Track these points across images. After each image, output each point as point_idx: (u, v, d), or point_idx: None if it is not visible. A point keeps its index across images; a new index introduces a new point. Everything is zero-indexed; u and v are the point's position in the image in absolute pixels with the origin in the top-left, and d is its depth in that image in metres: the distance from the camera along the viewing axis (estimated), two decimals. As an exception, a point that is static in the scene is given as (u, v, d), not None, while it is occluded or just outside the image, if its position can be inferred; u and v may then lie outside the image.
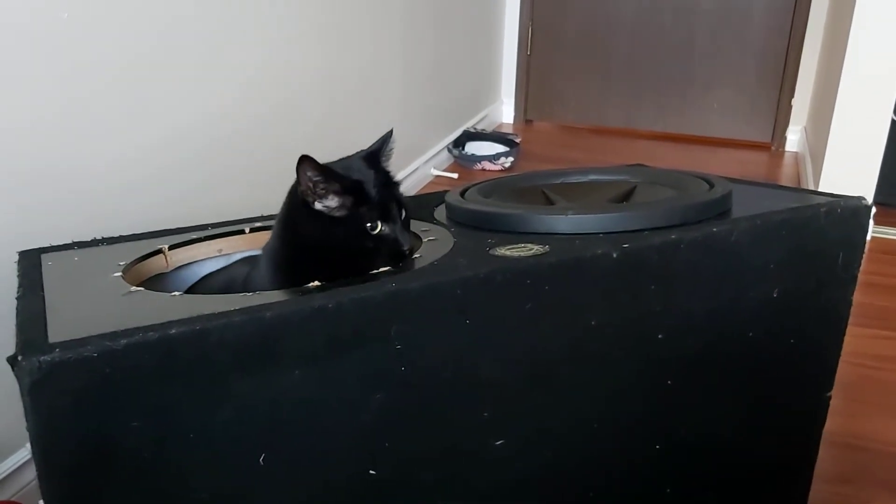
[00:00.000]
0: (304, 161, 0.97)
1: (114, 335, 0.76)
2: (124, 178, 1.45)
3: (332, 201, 0.99)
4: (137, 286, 1.07)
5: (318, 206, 0.99)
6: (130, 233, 1.25)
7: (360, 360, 0.89)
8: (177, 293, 0.93)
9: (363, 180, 1.01)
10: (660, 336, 1.06)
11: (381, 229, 1.00)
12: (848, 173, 2.51)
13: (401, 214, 1.03)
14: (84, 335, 0.76)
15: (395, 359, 0.90)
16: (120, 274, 1.02)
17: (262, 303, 0.84)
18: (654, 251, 1.02)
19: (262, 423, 0.85)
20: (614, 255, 0.99)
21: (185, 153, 1.60)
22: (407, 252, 1.01)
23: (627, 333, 1.05)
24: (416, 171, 2.92)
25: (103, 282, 1.00)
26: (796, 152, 3.67)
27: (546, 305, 0.98)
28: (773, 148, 3.75)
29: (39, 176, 1.28)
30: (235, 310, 0.82)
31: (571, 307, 1.00)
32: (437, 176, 3.12)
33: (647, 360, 1.07)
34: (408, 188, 2.82)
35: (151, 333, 0.78)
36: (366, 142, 1.11)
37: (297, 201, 1.01)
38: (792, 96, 3.68)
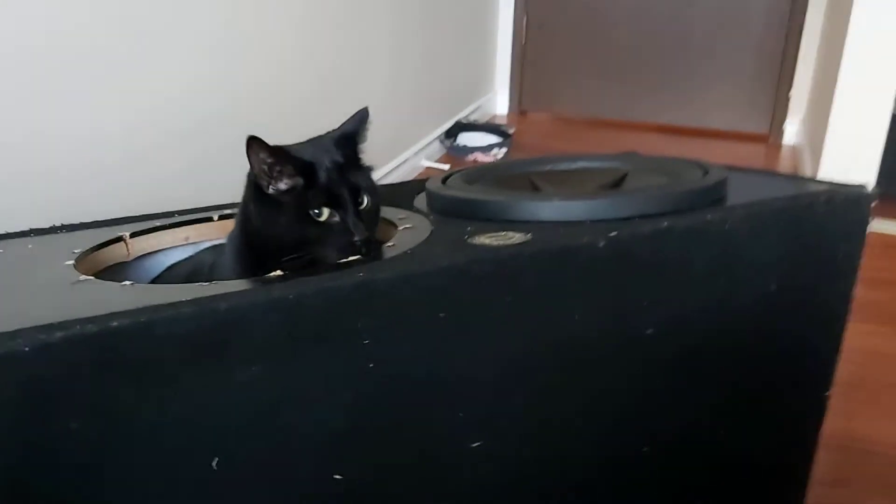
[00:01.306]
0: (253, 143, 0.90)
1: (49, 328, 0.69)
2: (91, 159, 1.37)
3: (283, 184, 0.93)
4: (93, 276, 1.01)
5: (270, 190, 0.93)
6: (94, 220, 1.18)
7: (324, 356, 0.82)
8: (128, 283, 0.86)
9: (315, 162, 0.94)
10: (649, 332, 1.00)
11: (328, 216, 0.93)
12: (847, 166, 2.45)
13: (358, 202, 0.95)
14: (16, 327, 0.69)
15: (363, 355, 0.84)
16: (72, 262, 0.96)
17: (215, 293, 0.78)
18: (643, 240, 0.96)
19: (215, 424, 0.79)
20: (601, 245, 0.93)
21: (158, 136, 1.53)
22: (359, 244, 0.92)
23: (614, 328, 0.98)
24: (406, 162, 2.86)
25: (53, 271, 0.93)
26: (794, 145, 3.60)
27: (527, 298, 0.91)
28: (770, 140, 3.69)
29: (-3, 159, 1.22)
30: (185, 301, 0.76)
31: (554, 300, 0.93)
32: (428, 167, 3.05)
33: (634, 356, 1.01)
34: (397, 179, 2.75)
35: (91, 326, 0.71)
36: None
37: (251, 186, 0.95)
38: (790, 88, 3.62)
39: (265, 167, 0.92)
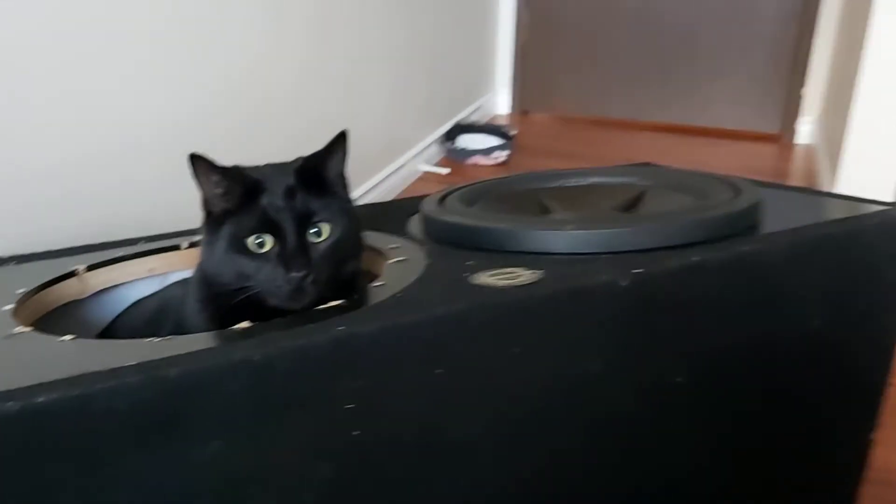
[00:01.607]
0: (196, 161, 0.78)
1: (-46, 408, 0.56)
2: (57, 183, 1.24)
3: (221, 205, 0.80)
4: (38, 319, 0.89)
5: (212, 213, 0.81)
6: (49, 249, 1.05)
7: (298, 425, 0.69)
8: (67, 337, 0.73)
9: (263, 182, 0.80)
10: (678, 380, 0.87)
11: (270, 246, 0.79)
12: (870, 168, 2.31)
13: (306, 231, 0.79)
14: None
15: (345, 422, 0.71)
16: (12, 306, 0.83)
17: (165, 355, 0.65)
18: (671, 277, 0.83)
19: (169, 510, 0.66)
20: (623, 284, 0.80)
21: (139, 149, 1.40)
22: (297, 283, 0.77)
23: (638, 379, 0.85)
24: (403, 166, 2.72)
25: (-14, 318, 0.80)
26: (808, 145, 3.47)
27: (537, 349, 0.78)
28: (782, 140, 3.55)
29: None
30: (129, 367, 0.63)
31: (569, 350, 0.80)
32: (427, 171, 2.92)
33: (662, 410, 0.88)
34: (395, 185, 2.62)
35: (11, 403, 0.59)
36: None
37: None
38: (803, 85, 3.48)
39: (209, 186, 0.80)
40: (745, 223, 0.94)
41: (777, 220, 0.98)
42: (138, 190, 1.39)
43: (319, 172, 0.83)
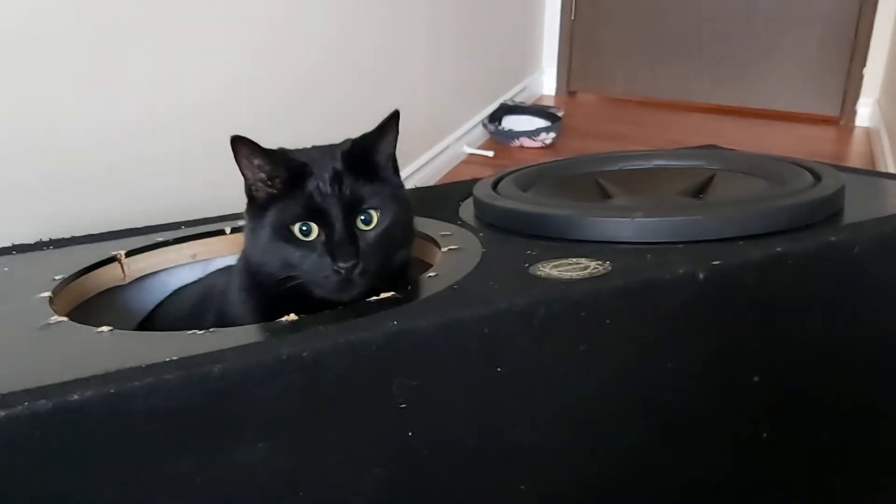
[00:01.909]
0: (238, 143, 0.73)
1: (-16, 404, 0.53)
2: (91, 162, 1.21)
3: (266, 191, 0.76)
4: (77, 307, 0.85)
5: (257, 199, 0.77)
6: (87, 233, 1.01)
7: (349, 425, 0.65)
8: (104, 329, 0.69)
9: (309, 166, 0.75)
10: (756, 379, 0.80)
11: (316, 235, 0.74)
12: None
13: (354, 219, 0.75)
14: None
15: (399, 422, 0.66)
16: (48, 294, 0.79)
17: (208, 350, 0.60)
18: (753, 269, 0.76)
19: (212, 515, 0.61)
20: (701, 276, 0.73)
21: (172, 133, 1.36)
22: (345, 274, 0.72)
23: (713, 378, 0.79)
24: (446, 149, 2.66)
25: (22, 308, 0.77)
26: (868, 127, 3.33)
27: (606, 345, 0.72)
28: (841, 122, 3.41)
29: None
30: (168, 363, 0.58)
31: (641, 346, 0.74)
32: (471, 154, 2.85)
33: (737, 409, 0.81)
34: (438, 168, 2.56)
35: (43, 402, 0.55)
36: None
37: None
38: (863, 65, 3.33)
39: (252, 171, 0.75)
40: (828, 211, 0.86)
41: (860, 207, 0.90)
42: (172, 168, 1.35)
43: (369, 155, 0.78)
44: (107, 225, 1.03)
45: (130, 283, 0.95)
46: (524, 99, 3.52)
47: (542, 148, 2.99)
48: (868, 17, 3.29)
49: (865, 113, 3.37)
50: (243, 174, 0.76)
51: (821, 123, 3.42)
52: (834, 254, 0.80)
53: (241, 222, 1.01)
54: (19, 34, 1.05)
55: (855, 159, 2.96)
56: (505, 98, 3.28)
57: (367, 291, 0.73)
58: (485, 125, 3.07)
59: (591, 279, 0.71)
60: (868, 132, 3.28)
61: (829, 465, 0.91)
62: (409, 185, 2.28)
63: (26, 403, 0.54)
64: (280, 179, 0.75)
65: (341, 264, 0.72)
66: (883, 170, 2.60)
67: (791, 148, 3.03)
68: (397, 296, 0.72)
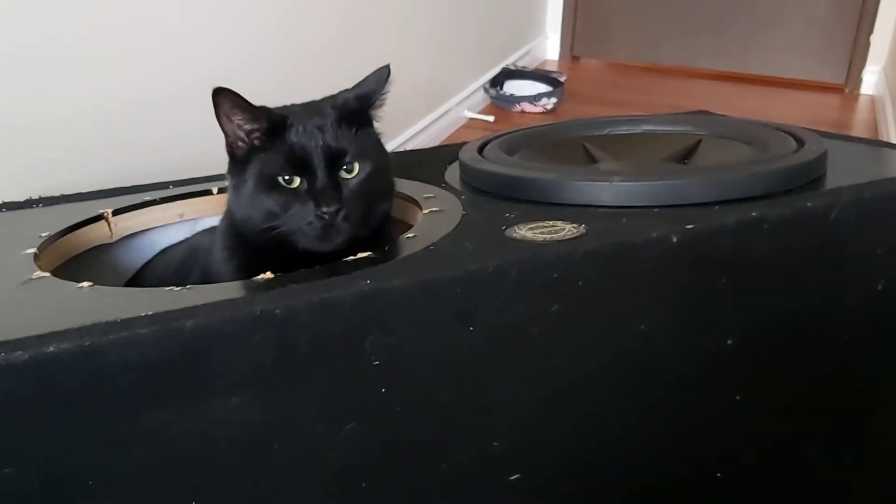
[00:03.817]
0: (219, 95, 0.74)
1: (-38, 355, 0.54)
2: (80, 121, 1.21)
3: (247, 142, 0.77)
4: (63, 264, 0.86)
5: (237, 152, 0.78)
6: (77, 191, 1.02)
7: (323, 381, 0.66)
8: (85, 284, 0.70)
9: (289, 119, 0.77)
10: (729, 342, 0.81)
11: (299, 184, 0.75)
12: (941, 121, 2.18)
13: (336, 168, 0.76)
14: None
15: (373, 379, 0.67)
16: (33, 251, 0.80)
17: (183, 306, 0.62)
18: (727, 234, 0.77)
19: (187, 466, 0.64)
20: (674, 239, 0.74)
21: (164, 92, 1.36)
22: (329, 218, 0.74)
23: (686, 340, 0.80)
24: (447, 113, 2.65)
25: (7, 262, 0.78)
26: (873, 95, 3.30)
27: (579, 307, 0.73)
28: (846, 90, 3.38)
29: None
30: (142, 317, 0.59)
31: (613, 309, 0.75)
32: (471, 119, 2.84)
33: (709, 372, 0.83)
34: (438, 132, 2.55)
35: (20, 353, 0.56)
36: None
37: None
38: (871, 32, 3.29)
39: (232, 125, 0.76)
40: (808, 177, 0.87)
41: (843, 174, 0.91)
42: (177, 140, 1.35)
43: (362, 108, 0.80)
44: (102, 182, 1.04)
45: (118, 241, 0.96)
46: (527, 63, 3.49)
47: (543, 113, 2.98)
48: (877, -18, 3.24)
49: (871, 81, 3.33)
50: (224, 130, 0.77)
51: (825, 91, 3.39)
52: (811, 219, 0.80)
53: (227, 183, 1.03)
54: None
55: (858, 127, 2.94)
56: (508, 62, 3.26)
57: (347, 249, 0.75)
58: (486, 89, 3.05)
59: (564, 241, 0.72)
60: (873, 100, 3.25)
61: (802, 428, 0.92)
62: (409, 147, 2.28)
63: (3, 354, 0.56)
64: (261, 132, 0.76)
65: (325, 209, 0.73)
66: (886, 138, 2.58)
67: (794, 115, 3.01)
68: (373, 256, 0.73)
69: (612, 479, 0.83)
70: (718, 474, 0.88)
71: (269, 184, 0.75)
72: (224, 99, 0.74)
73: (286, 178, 0.75)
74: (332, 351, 0.65)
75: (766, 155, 0.91)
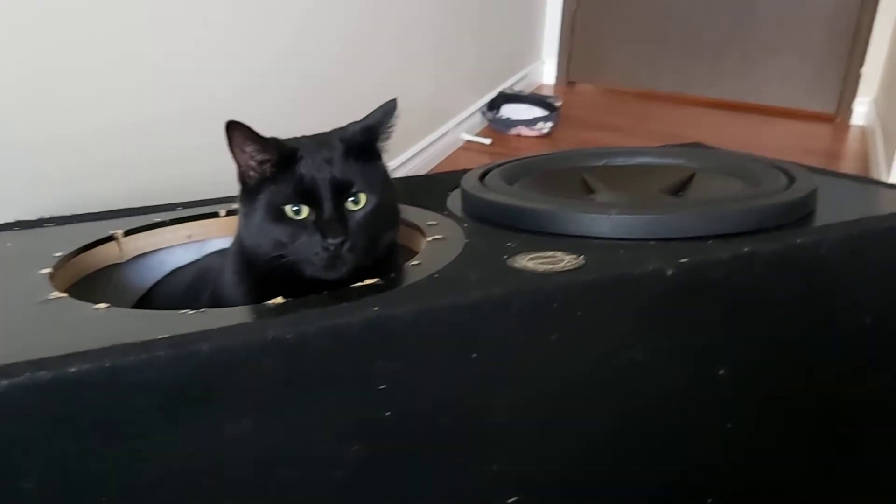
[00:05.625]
0: (232, 128, 0.76)
1: (-12, 375, 0.56)
2: (95, 143, 1.24)
3: (258, 173, 0.80)
4: (75, 283, 0.89)
5: (249, 182, 0.81)
6: (88, 211, 1.05)
7: (330, 404, 0.69)
8: (102, 306, 0.72)
9: (299, 151, 0.79)
10: (721, 372, 0.84)
11: (307, 214, 0.78)
12: (929, 154, 2.23)
13: (343, 199, 0.78)
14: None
15: (378, 403, 0.70)
16: (48, 271, 0.83)
17: (199, 329, 0.64)
18: (721, 267, 0.80)
19: (200, 484, 0.65)
20: (669, 273, 0.77)
21: (175, 115, 1.39)
22: (334, 250, 0.76)
23: (680, 370, 0.83)
24: (445, 135, 2.69)
25: (22, 283, 0.80)
26: (863, 126, 3.35)
27: (577, 336, 0.76)
28: (837, 120, 3.44)
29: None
30: (160, 340, 0.62)
31: (610, 338, 0.78)
32: (468, 141, 2.88)
33: (703, 402, 0.85)
34: (436, 154, 2.59)
35: (43, 373, 0.58)
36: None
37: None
38: (862, 64, 3.35)
39: (245, 155, 0.79)
40: (799, 213, 0.90)
41: (832, 210, 0.94)
42: (185, 159, 1.38)
43: (369, 140, 0.82)
44: (110, 206, 1.07)
45: (128, 261, 0.98)
46: (524, 87, 3.54)
47: (539, 137, 3.02)
48: (868, 16, 3.31)
49: (861, 111, 3.39)
50: (236, 160, 0.80)
51: (817, 120, 3.45)
52: (801, 255, 0.84)
53: (235, 205, 1.05)
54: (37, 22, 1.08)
55: (849, 157, 3.00)
56: (505, 86, 3.31)
57: (354, 272, 0.77)
58: (483, 113, 3.09)
59: (564, 273, 0.75)
60: (863, 131, 3.31)
61: (792, 458, 0.95)
62: (406, 170, 2.32)
63: (27, 374, 0.58)
64: (271, 164, 0.79)
65: (330, 240, 0.76)
66: (876, 169, 2.63)
67: (786, 144, 3.06)
68: (380, 283, 0.76)
69: (607, 503, 0.85)
70: (710, 500, 0.91)
71: (277, 214, 0.78)
72: (236, 132, 0.77)
73: (294, 208, 0.77)
74: (340, 375, 0.68)
75: (758, 190, 0.94)
